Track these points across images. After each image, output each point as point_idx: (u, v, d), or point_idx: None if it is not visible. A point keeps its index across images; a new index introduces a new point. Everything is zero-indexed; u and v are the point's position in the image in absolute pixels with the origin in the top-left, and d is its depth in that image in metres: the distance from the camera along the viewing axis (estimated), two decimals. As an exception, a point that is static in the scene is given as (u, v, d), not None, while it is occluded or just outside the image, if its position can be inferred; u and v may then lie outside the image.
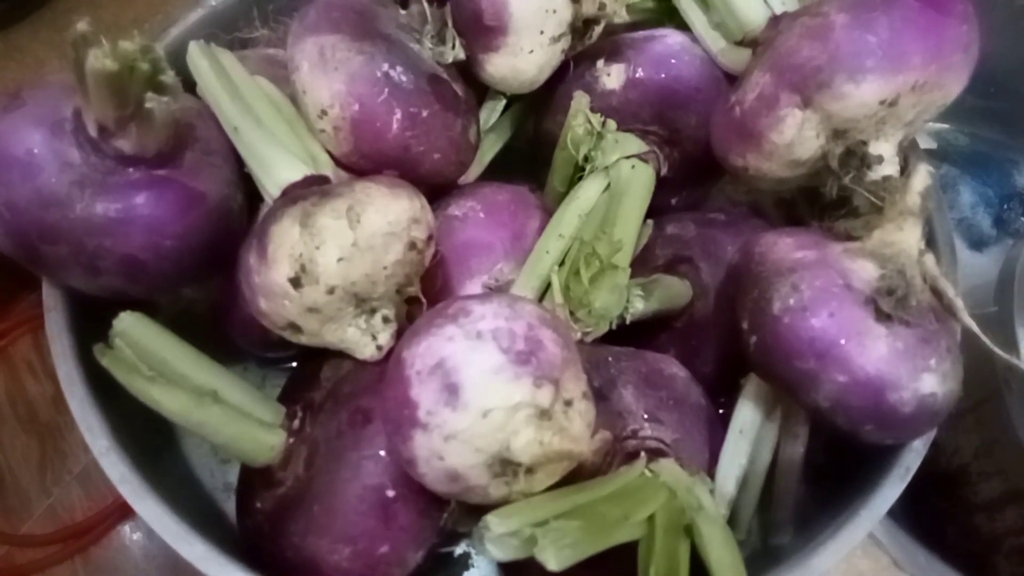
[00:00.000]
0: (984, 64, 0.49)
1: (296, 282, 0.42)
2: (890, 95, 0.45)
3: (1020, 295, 0.59)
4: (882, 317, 0.41)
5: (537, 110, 0.61)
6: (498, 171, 0.61)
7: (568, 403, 0.38)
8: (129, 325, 0.44)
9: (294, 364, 0.59)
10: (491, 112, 0.60)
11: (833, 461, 0.50)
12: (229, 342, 0.56)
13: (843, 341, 0.41)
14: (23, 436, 0.69)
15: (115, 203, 0.43)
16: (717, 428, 0.49)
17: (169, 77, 0.42)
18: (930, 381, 0.41)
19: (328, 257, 0.41)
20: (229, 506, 0.53)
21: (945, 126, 0.90)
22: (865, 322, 0.41)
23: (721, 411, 0.52)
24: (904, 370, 0.41)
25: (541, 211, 0.57)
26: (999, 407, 0.57)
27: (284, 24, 0.62)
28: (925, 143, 0.89)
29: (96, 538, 0.64)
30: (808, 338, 0.41)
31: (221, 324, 0.55)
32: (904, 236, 0.43)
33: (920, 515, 0.65)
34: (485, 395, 0.36)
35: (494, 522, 0.37)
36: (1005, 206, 0.86)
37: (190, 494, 0.56)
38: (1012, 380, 0.56)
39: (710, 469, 0.48)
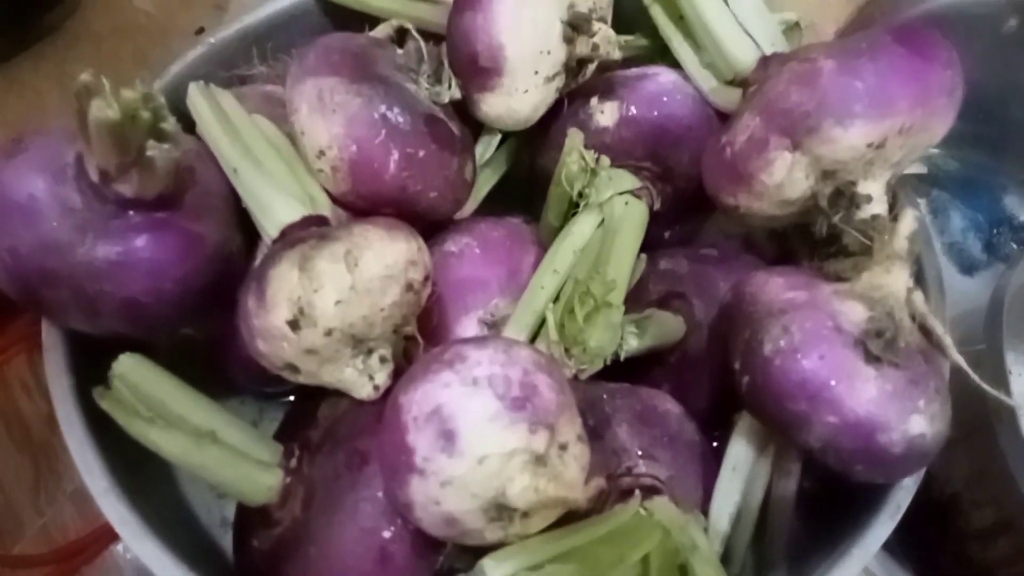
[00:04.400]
0: (973, 91, 0.50)
1: (294, 325, 0.42)
2: (877, 138, 0.46)
3: (1009, 327, 0.59)
4: (871, 359, 0.42)
5: (532, 146, 0.62)
6: (495, 202, 0.62)
7: (563, 447, 0.39)
8: (128, 368, 0.44)
9: (292, 398, 0.60)
10: (487, 147, 0.61)
11: (826, 497, 0.51)
12: (227, 377, 0.56)
13: (833, 383, 0.41)
14: (16, 455, 0.68)
15: (116, 247, 0.43)
16: (711, 464, 0.49)
17: (170, 124, 0.42)
18: (919, 422, 0.41)
19: (326, 300, 0.42)
20: (226, 542, 0.53)
21: (935, 151, 0.91)
22: (855, 364, 0.42)
23: (715, 443, 0.52)
24: (893, 412, 0.41)
25: (536, 246, 0.58)
26: (990, 437, 0.58)
27: (283, 61, 0.63)
28: (915, 168, 0.90)
29: (89, 558, 0.64)
30: (799, 380, 0.42)
31: (220, 360, 0.55)
32: (892, 279, 0.44)
33: (913, 543, 0.65)
34: (481, 441, 0.37)
35: (489, 566, 0.37)
36: (995, 231, 0.87)
37: (187, 530, 0.56)
38: (1002, 411, 0.57)
39: (704, 505, 0.48)
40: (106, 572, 0.64)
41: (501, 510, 0.38)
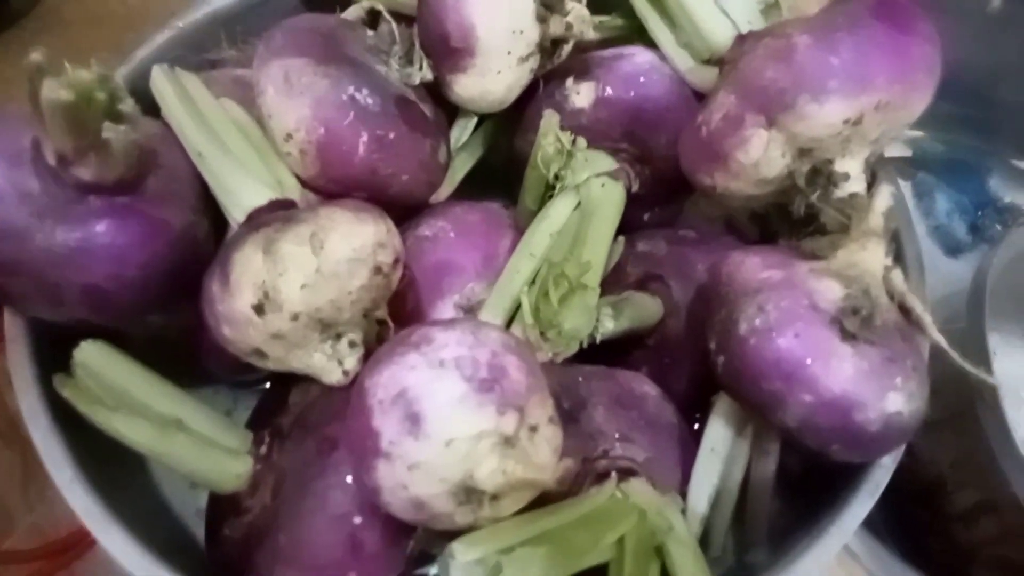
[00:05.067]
0: (959, 72, 0.49)
1: (259, 309, 0.41)
2: (854, 115, 0.46)
3: (991, 308, 0.59)
4: (847, 337, 0.41)
5: (509, 128, 0.61)
6: (473, 187, 0.61)
7: (533, 429, 0.38)
8: (90, 355, 0.43)
9: (267, 385, 0.59)
10: (462, 131, 0.60)
11: (806, 477, 0.51)
12: (200, 365, 0.55)
13: (809, 362, 0.41)
14: (5, 450, 0.67)
15: (76, 233, 0.42)
16: (690, 446, 0.49)
17: (127, 106, 0.41)
18: (896, 400, 0.41)
19: (291, 284, 0.41)
20: (200, 532, 0.52)
21: (920, 134, 0.91)
22: (831, 342, 0.41)
23: (696, 426, 0.52)
24: (870, 390, 0.41)
25: (513, 230, 0.57)
26: (974, 418, 0.58)
27: (252, 45, 0.61)
28: (900, 151, 0.90)
29: (80, 553, 0.63)
30: (774, 359, 0.41)
31: (191, 348, 0.54)
32: (868, 256, 0.44)
33: (899, 525, 0.66)
34: (447, 424, 0.36)
35: (459, 550, 0.36)
36: (980, 213, 0.87)
37: (160, 521, 0.56)
38: (985, 391, 0.56)
39: (683, 488, 0.48)
40: (97, 567, 0.63)
41: (470, 493, 0.37)
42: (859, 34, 0.46)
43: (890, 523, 0.65)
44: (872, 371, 0.41)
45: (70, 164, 0.41)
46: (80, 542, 0.63)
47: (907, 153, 0.91)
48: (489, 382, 0.37)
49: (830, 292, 0.43)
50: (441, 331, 0.39)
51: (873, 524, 0.46)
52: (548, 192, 0.55)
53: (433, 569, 0.54)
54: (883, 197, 0.44)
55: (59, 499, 0.65)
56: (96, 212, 0.42)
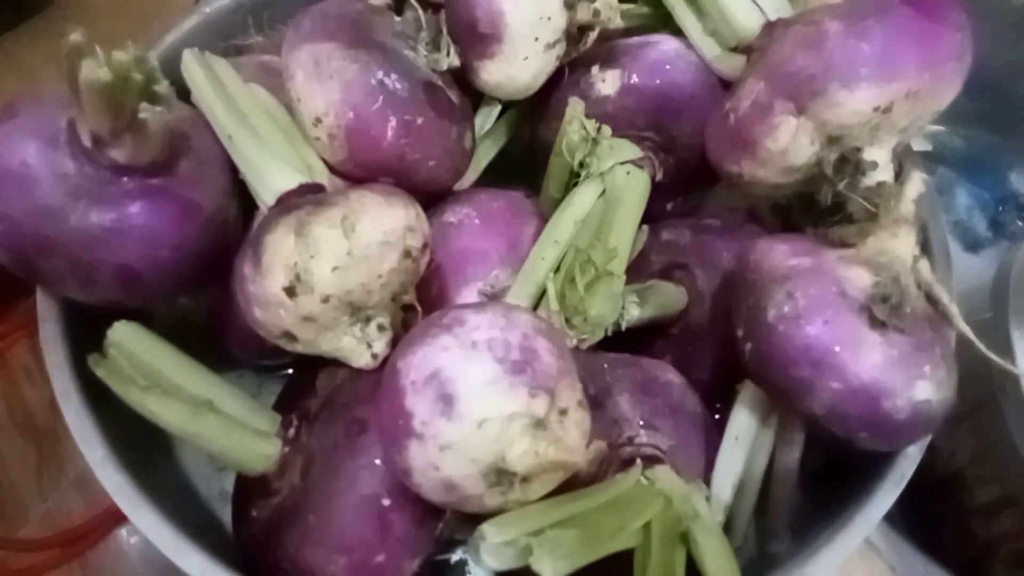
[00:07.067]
0: (979, 67, 0.49)
1: (291, 291, 0.42)
2: (884, 102, 0.45)
3: (1015, 301, 0.59)
4: (876, 325, 0.41)
5: (533, 116, 0.61)
6: (494, 176, 0.61)
7: (563, 412, 0.38)
8: (124, 335, 0.44)
9: (290, 371, 0.59)
10: (486, 118, 0.60)
11: (829, 467, 0.51)
12: (225, 350, 0.56)
13: (838, 349, 0.41)
14: (20, 441, 0.68)
15: (110, 213, 0.43)
16: (713, 435, 0.49)
17: (163, 87, 0.42)
18: (924, 388, 0.41)
19: (323, 266, 0.41)
20: (225, 515, 0.53)
21: (941, 128, 0.91)
22: (860, 330, 0.41)
23: (717, 416, 0.52)
24: (899, 378, 0.41)
25: (537, 217, 0.57)
26: (995, 412, 0.57)
27: (279, 31, 0.62)
28: (921, 146, 0.89)
29: (93, 543, 0.64)
30: (803, 346, 0.41)
31: (217, 332, 0.55)
32: (898, 243, 0.43)
33: (917, 519, 0.65)
34: (480, 405, 0.36)
35: (490, 531, 0.37)
36: (1000, 208, 0.87)
37: (186, 503, 0.56)
38: (1008, 385, 0.56)
39: (706, 476, 0.48)
40: (110, 557, 0.64)
41: (501, 475, 0.37)
42: (890, 21, 0.45)
43: (905, 516, 0.65)
44: (901, 359, 0.41)
45: (105, 145, 0.42)
46: (93, 532, 0.64)
47: (927, 148, 0.91)
48: (521, 364, 0.37)
49: (859, 279, 0.43)
50: (473, 313, 0.39)
51: (888, 515, 0.46)
52: (572, 180, 0.55)
53: (456, 555, 0.55)
54: (915, 183, 0.43)
55: (72, 489, 0.67)
56: (130, 193, 0.43)
